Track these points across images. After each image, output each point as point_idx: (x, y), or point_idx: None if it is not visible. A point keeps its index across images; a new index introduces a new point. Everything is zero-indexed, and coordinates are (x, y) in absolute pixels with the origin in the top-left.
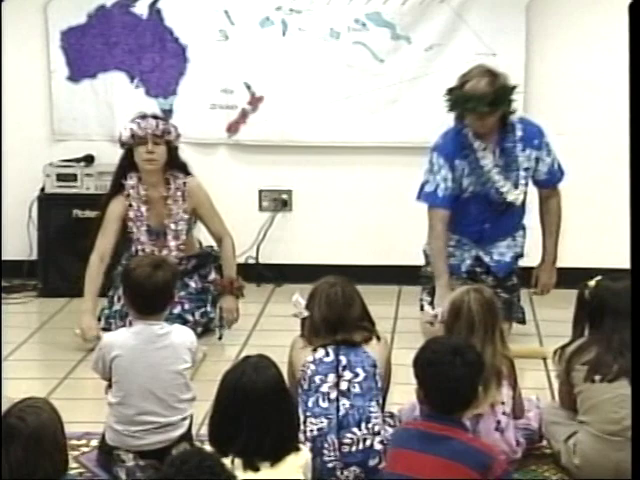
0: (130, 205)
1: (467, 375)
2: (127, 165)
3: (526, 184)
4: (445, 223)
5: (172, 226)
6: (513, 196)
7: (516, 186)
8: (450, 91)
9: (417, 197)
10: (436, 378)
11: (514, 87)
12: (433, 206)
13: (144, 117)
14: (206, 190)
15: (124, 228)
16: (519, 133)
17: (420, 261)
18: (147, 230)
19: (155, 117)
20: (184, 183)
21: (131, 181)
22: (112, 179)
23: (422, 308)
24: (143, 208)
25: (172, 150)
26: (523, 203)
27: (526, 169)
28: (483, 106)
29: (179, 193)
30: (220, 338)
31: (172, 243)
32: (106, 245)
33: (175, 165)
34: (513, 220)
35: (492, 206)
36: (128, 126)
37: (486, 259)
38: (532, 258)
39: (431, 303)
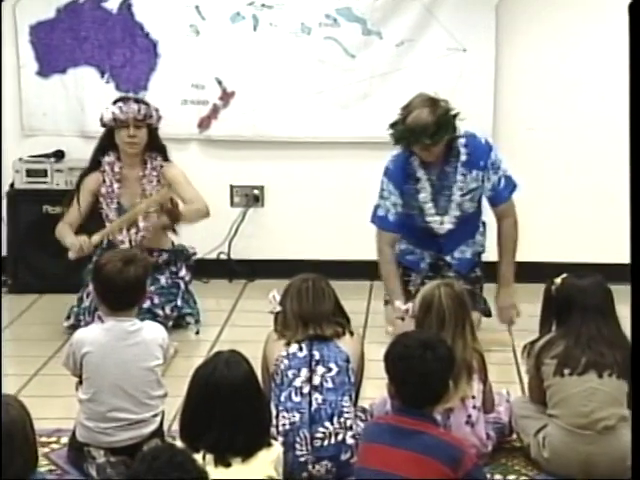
0: (103, 181)
1: (438, 369)
2: (107, 144)
3: (478, 200)
4: (392, 246)
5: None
6: (444, 227)
7: (446, 212)
8: (393, 126)
9: (371, 220)
10: (407, 373)
11: (456, 114)
12: (384, 229)
13: (126, 100)
14: (182, 170)
15: (95, 206)
16: (463, 158)
17: None
18: (117, 208)
19: (137, 101)
20: (161, 166)
21: (108, 158)
22: (91, 156)
23: (386, 303)
24: (115, 185)
25: (152, 132)
26: (476, 213)
27: (472, 190)
28: (426, 138)
29: (154, 173)
30: (197, 333)
31: (142, 224)
32: (74, 214)
33: (155, 147)
34: (468, 227)
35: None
36: (110, 109)
37: (447, 258)
38: (491, 252)
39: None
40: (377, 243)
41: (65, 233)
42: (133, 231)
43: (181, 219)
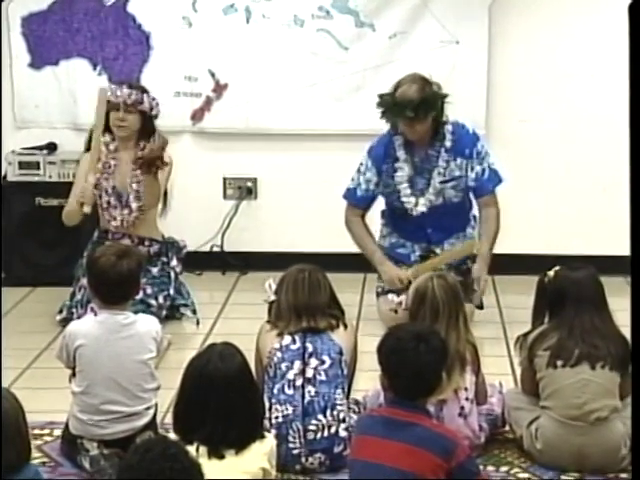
0: (99, 159)
1: (431, 361)
2: (104, 124)
3: (463, 190)
4: (359, 218)
5: (134, 186)
6: (418, 209)
7: (422, 194)
8: (381, 97)
9: (343, 194)
10: (400, 365)
11: (445, 95)
12: (349, 202)
13: (120, 84)
14: (172, 162)
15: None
16: (448, 144)
17: None
18: (112, 187)
19: (131, 86)
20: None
21: (104, 138)
22: (87, 137)
23: (378, 295)
24: (112, 162)
25: (146, 120)
26: (463, 203)
27: (456, 178)
28: (409, 111)
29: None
30: (198, 323)
31: (134, 204)
32: (75, 192)
33: (148, 134)
34: (457, 220)
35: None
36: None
37: (437, 250)
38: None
39: (384, 289)
40: (345, 214)
41: (69, 206)
42: (126, 211)
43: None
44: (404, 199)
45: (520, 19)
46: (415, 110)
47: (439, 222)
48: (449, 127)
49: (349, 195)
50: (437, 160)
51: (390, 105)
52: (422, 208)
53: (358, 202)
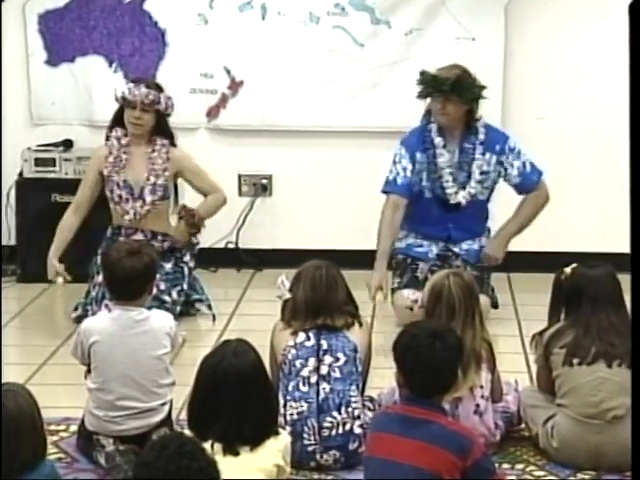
0: (110, 153)
1: (447, 359)
2: (118, 120)
3: (488, 187)
4: (395, 210)
5: (152, 179)
6: (458, 198)
7: (464, 187)
8: (422, 73)
9: (381, 189)
10: (416, 362)
11: (483, 87)
12: (389, 192)
13: (138, 82)
14: (190, 155)
15: (102, 185)
16: (481, 137)
17: None
18: (124, 181)
19: (148, 85)
20: (170, 145)
21: (116, 133)
22: (106, 132)
23: (393, 291)
24: (123, 156)
25: (161, 118)
26: (485, 205)
27: (484, 173)
28: (446, 86)
29: (164, 150)
30: (214, 318)
31: (148, 197)
32: (83, 195)
33: (162, 133)
34: (476, 221)
35: (450, 206)
36: (122, 87)
37: (455, 249)
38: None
39: (400, 284)
40: (382, 210)
41: (57, 237)
42: (138, 203)
43: (202, 226)
44: (446, 184)
45: (537, 15)
46: (452, 86)
47: (461, 220)
48: (481, 122)
49: (390, 186)
50: (474, 153)
51: (429, 79)
52: (462, 199)
53: (401, 190)
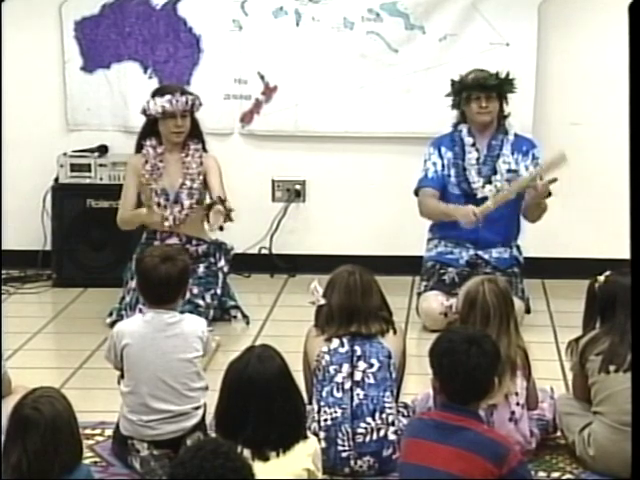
0: (146, 162)
1: (483, 365)
2: (149, 131)
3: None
4: (432, 197)
5: (187, 183)
6: (484, 192)
7: (489, 181)
8: (453, 82)
9: (414, 191)
10: (452, 368)
11: (512, 79)
12: (422, 187)
13: (173, 93)
14: (219, 164)
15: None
16: (511, 137)
17: None
18: (162, 189)
19: (183, 92)
20: (203, 150)
21: (150, 142)
22: (135, 145)
23: (419, 295)
24: (160, 164)
25: (195, 120)
26: (515, 207)
27: (512, 171)
28: (491, 80)
29: (197, 154)
30: (248, 323)
31: (186, 202)
32: (133, 196)
33: (195, 135)
34: (505, 223)
35: (478, 202)
36: (159, 102)
37: (485, 256)
38: (536, 248)
39: (426, 288)
40: (419, 201)
41: (134, 213)
42: (176, 208)
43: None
44: (472, 178)
45: (570, 21)
46: (496, 79)
47: (491, 224)
48: (510, 121)
49: (422, 182)
50: (501, 149)
51: (469, 82)
52: (489, 193)
53: (432, 182)
